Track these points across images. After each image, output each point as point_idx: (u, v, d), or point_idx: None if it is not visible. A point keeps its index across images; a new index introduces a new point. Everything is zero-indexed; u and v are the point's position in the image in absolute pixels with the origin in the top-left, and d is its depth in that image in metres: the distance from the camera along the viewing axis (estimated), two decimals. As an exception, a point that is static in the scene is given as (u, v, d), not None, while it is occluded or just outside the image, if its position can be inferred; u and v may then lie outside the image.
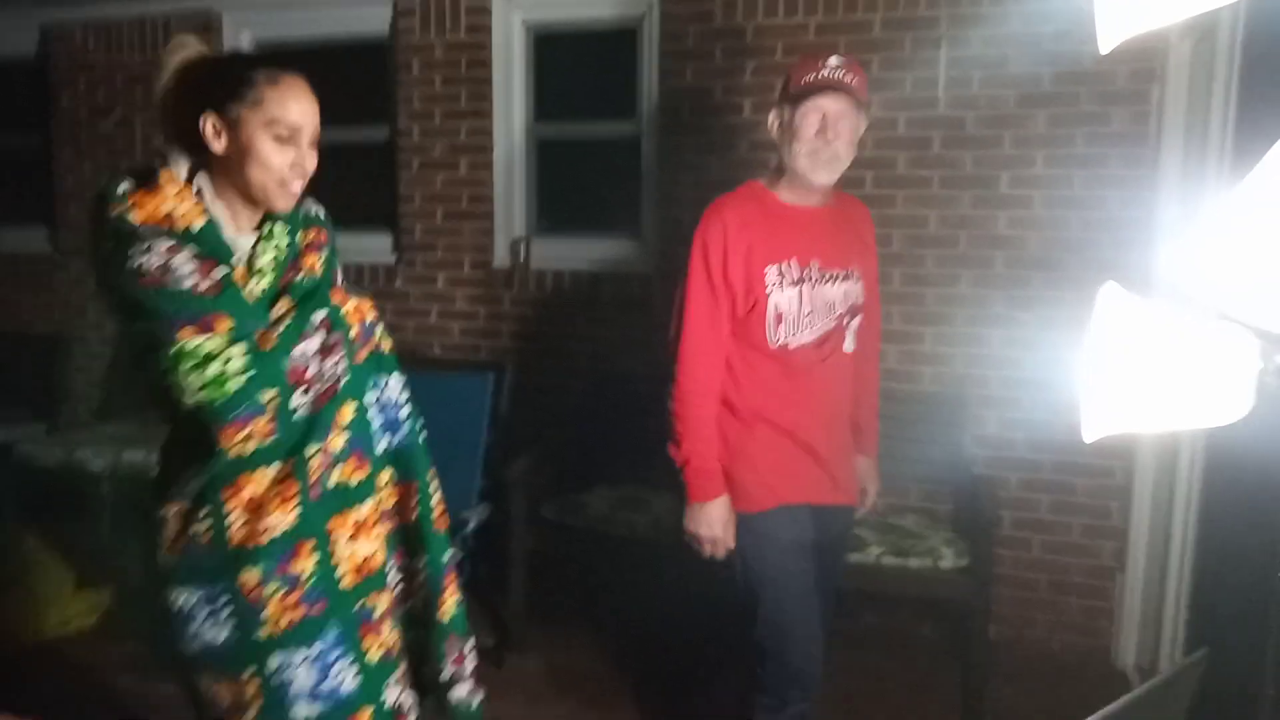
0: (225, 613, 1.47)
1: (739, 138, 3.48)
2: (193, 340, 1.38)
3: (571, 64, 3.92)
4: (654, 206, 3.71)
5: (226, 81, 1.49)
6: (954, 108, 3.24)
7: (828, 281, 2.10)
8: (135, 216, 1.43)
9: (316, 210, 1.71)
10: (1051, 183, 3.17)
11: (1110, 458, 3.18)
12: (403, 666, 1.65)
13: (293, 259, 1.60)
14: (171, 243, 1.41)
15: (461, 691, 1.69)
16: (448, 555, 1.67)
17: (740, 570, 2.16)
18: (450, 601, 1.67)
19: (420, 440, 1.67)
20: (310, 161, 1.54)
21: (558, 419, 3.77)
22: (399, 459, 1.65)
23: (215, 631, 1.48)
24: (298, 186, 1.54)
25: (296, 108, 1.50)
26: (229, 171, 1.50)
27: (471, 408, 3.53)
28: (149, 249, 1.39)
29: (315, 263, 1.64)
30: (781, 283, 2.06)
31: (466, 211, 3.95)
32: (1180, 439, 3.03)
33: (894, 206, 3.34)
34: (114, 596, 3.46)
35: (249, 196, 1.52)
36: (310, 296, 1.56)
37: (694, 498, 2.11)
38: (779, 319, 2.06)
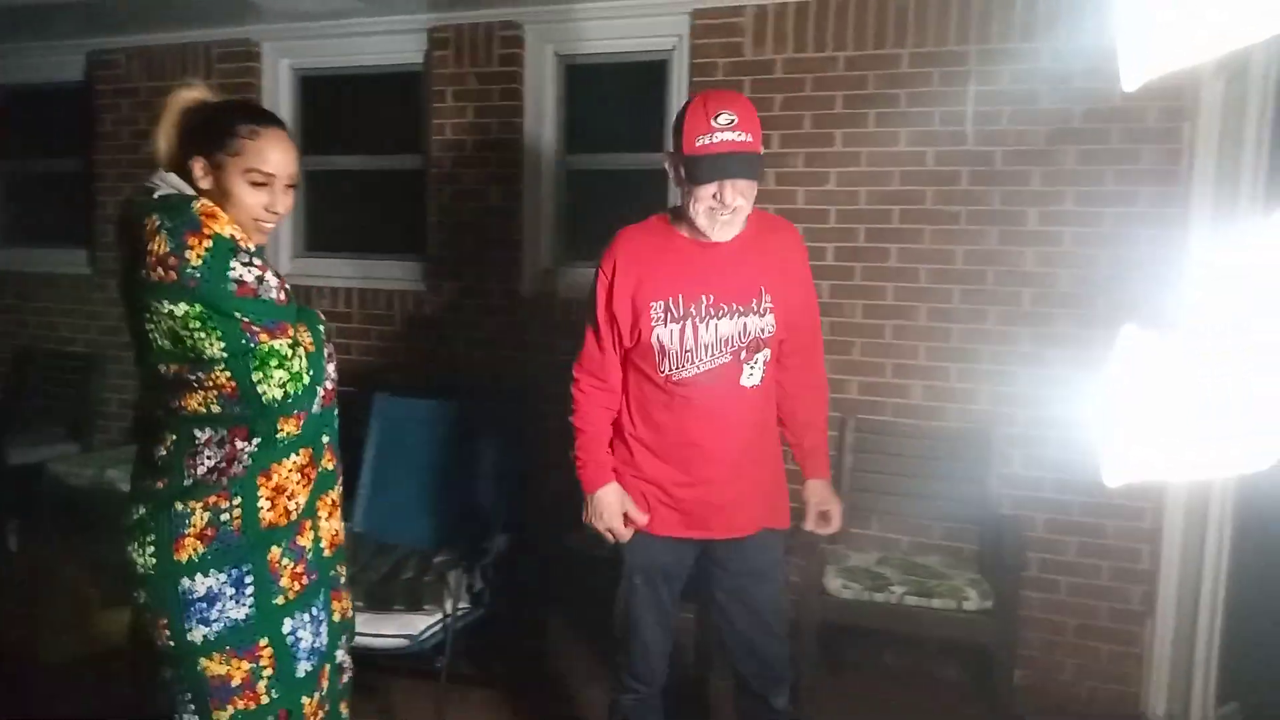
0: (249, 589, 1.67)
1: (767, 170, 3.48)
2: (273, 343, 1.61)
3: (602, 95, 3.95)
4: (681, 238, 3.71)
5: (213, 130, 1.69)
6: (982, 143, 3.22)
7: (721, 317, 2.11)
8: (224, 235, 1.60)
9: None
10: (1081, 220, 3.14)
11: (1140, 499, 3.12)
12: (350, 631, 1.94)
13: None
14: (262, 261, 1.64)
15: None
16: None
17: (607, 574, 2.34)
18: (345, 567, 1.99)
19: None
20: (283, 204, 1.73)
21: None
22: None
23: (238, 609, 1.67)
24: (269, 226, 1.73)
25: (273, 158, 1.69)
26: (216, 205, 1.68)
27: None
28: (249, 265, 1.61)
29: (284, 282, 1.82)
30: (666, 319, 2.11)
31: (495, 240, 3.98)
32: (1212, 481, 2.98)
33: (921, 241, 3.32)
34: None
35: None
36: (304, 313, 1.78)
37: (585, 489, 2.24)
38: (663, 353, 2.13)
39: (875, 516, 3.45)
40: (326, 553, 1.81)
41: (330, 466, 1.82)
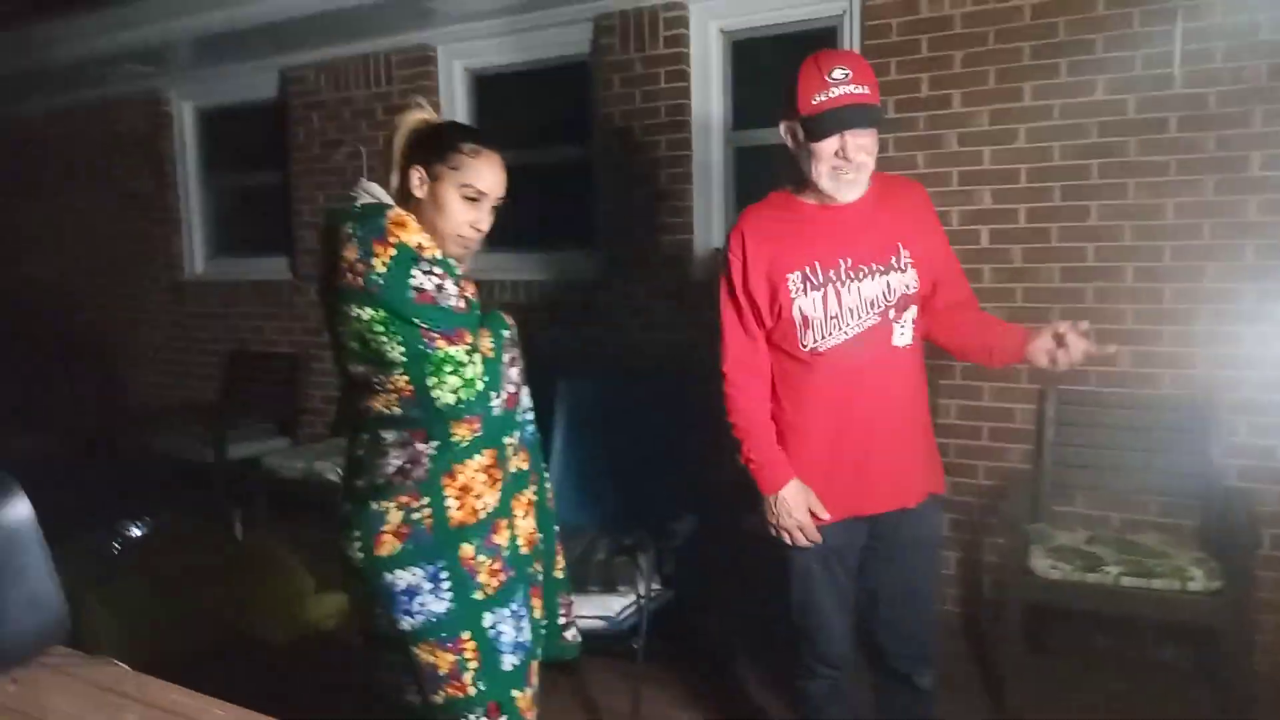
0: (446, 585, 1.72)
1: (948, 130, 3.32)
2: (449, 349, 1.65)
3: (770, 69, 3.87)
4: (858, 209, 3.59)
5: (437, 145, 1.77)
6: (1193, 85, 2.95)
7: (863, 278, 2.03)
8: (409, 244, 1.66)
9: None
10: (1312, 162, 2.84)
11: (1394, 468, 2.80)
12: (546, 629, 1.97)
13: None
14: (442, 270, 1.68)
15: (571, 633, 2.02)
16: (557, 527, 1.98)
17: (780, 559, 2.24)
18: (561, 564, 1.99)
19: (538, 437, 1.94)
20: (486, 223, 1.80)
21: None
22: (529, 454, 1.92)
23: (438, 602, 1.72)
24: (472, 243, 1.80)
25: (487, 178, 1.77)
26: (420, 215, 1.75)
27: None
28: (429, 273, 1.66)
29: (475, 288, 1.85)
30: (805, 288, 2.04)
31: (666, 224, 3.98)
32: None
33: (1124, 196, 3.09)
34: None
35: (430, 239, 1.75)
36: (490, 318, 1.83)
37: (765, 490, 2.14)
38: (806, 324, 2.05)
39: (1082, 493, 3.24)
40: (524, 551, 1.84)
41: (523, 467, 1.86)
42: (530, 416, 1.91)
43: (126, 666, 1.50)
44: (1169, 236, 3.05)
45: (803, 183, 2.08)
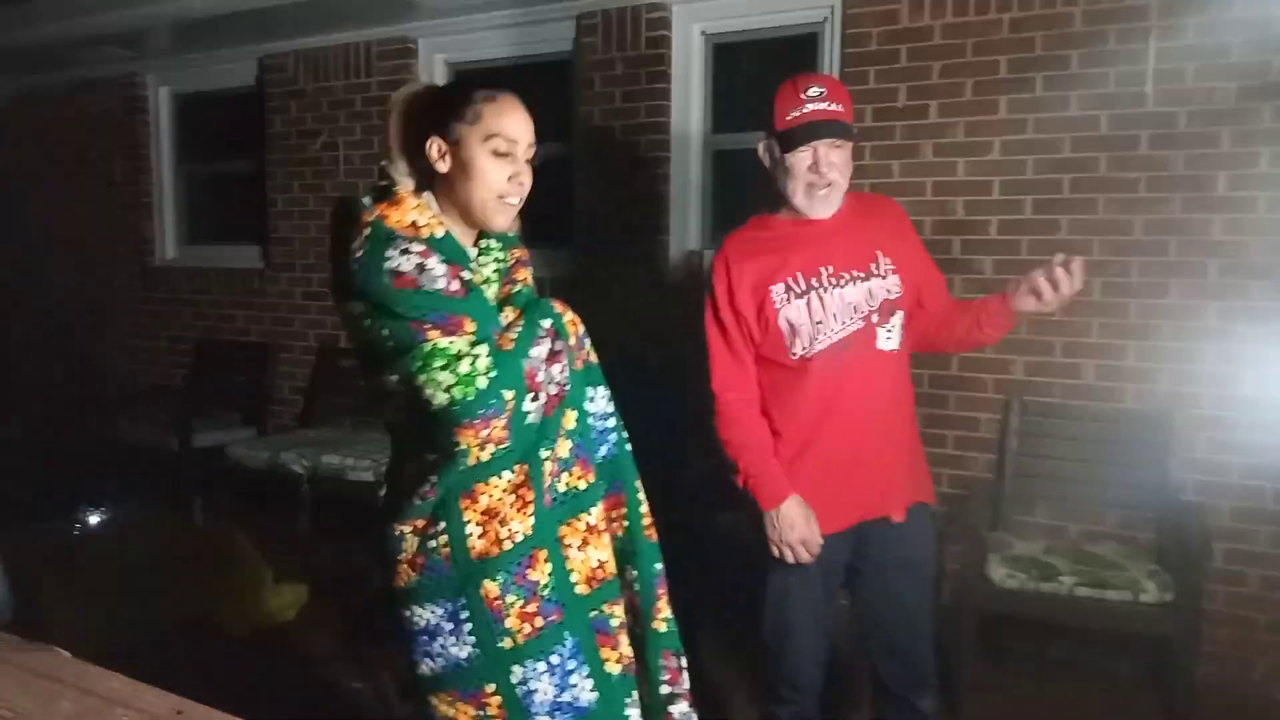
0: (467, 627, 1.48)
1: (924, 140, 3.35)
2: (442, 340, 1.40)
3: (750, 73, 3.89)
4: (833, 216, 3.61)
5: (448, 104, 1.54)
6: (1164, 104, 3.00)
7: (844, 285, 2.08)
8: (388, 223, 1.46)
9: (515, 232, 1.73)
10: (1276, 183, 2.89)
11: (1346, 487, 2.85)
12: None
13: (506, 273, 1.64)
14: (424, 247, 1.44)
15: (681, 708, 1.67)
16: (658, 565, 1.64)
17: (756, 574, 2.22)
18: (663, 613, 1.65)
19: (626, 450, 1.66)
20: (527, 177, 1.57)
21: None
22: (609, 470, 1.63)
23: (459, 648, 1.49)
24: (515, 202, 1.57)
25: (512, 121, 1.54)
26: (452, 192, 1.55)
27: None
28: (405, 251, 1.42)
29: (527, 276, 1.68)
30: (789, 296, 2.08)
31: (643, 225, 3.98)
32: None
33: (1094, 211, 3.13)
34: (311, 591, 3.65)
35: (469, 217, 1.57)
36: (531, 306, 1.58)
37: (765, 506, 2.11)
38: (794, 331, 2.08)
39: (1042, 503, 3.28)
40: (580, 590, 1.53)
41: (580, 485, 1.56)
42: (610, 424, 1.62)
43: (66, 653, 1.43)
44: (1136, 253, 3.09)
45: (779, 204, 2.13)
